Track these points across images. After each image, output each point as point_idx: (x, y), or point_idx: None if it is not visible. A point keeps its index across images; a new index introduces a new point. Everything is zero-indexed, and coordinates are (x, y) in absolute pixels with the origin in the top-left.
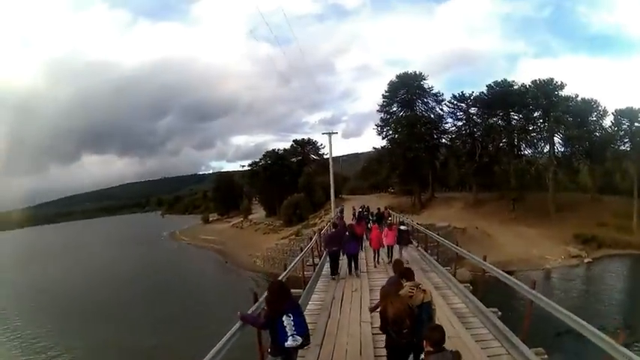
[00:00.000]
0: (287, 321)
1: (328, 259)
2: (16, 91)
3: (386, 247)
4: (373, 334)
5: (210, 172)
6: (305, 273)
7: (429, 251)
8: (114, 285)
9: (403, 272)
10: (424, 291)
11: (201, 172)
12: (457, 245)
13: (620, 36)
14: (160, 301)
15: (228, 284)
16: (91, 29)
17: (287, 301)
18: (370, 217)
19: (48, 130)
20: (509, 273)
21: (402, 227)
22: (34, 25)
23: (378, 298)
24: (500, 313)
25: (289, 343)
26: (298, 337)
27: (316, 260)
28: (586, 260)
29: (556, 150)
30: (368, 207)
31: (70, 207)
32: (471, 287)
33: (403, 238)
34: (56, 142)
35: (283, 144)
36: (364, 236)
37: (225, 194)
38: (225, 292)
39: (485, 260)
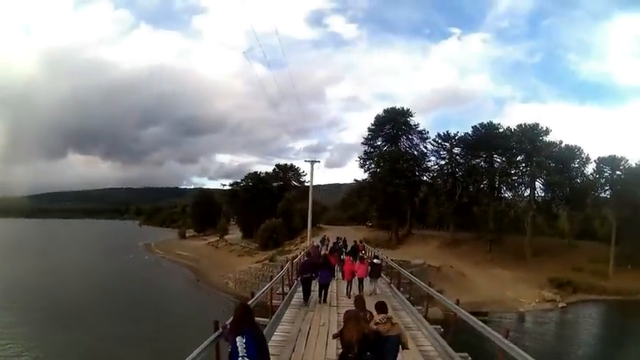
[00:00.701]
0: (239, 342)
1: (301, 286)
2: (13, 80)
3: (357, 280)
4: None
5: (192, 187)
6: (273, 302)
7: (402, 289)
8: (75, 294)
9: (378, 305)
10: (393, 324)
11: (182, 187)
12: (430, 284)
13: (608, 85)
14: (120, 317)
15: (196, 305)
16: (94, 26)
17: (247, 324)
18: (344, 250)
19: (38, 123)
20: (483, 314)
21: (375, 261)
22: (36, 13)
23: None
24: (470, 359)
25: None
26: (247, 359)
27: (286, 289)
28: (560, 305)
29: (536, 194)
30: (345, 239)
31: (50, 204)
32: (442, 329)
33: (374, 272)
34: (45, 137)
35: (266, 167)
36: (336, 267)
37: (203, 211)
38: (191, 313)
39: (457, 303)
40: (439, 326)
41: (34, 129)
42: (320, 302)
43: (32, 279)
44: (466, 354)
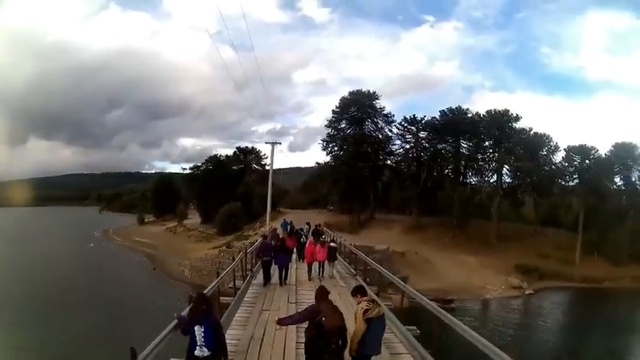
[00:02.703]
0: (198, 331)
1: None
2: None
3: (317, 263)
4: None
5: (153, 171)
6: (221, 299)
7: (358, 271)
8: (26, 287)
9: (357, 288)
10: (379, 305)
11: (144, 171)
12: (394, 271)
13: (577, 78)
14: (66, 308)
15: (149, 296)
16: (61, 7)
17: (203, 313)
18: (302, 233)
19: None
20: (449, 302)
21: (332, 244)
22: None
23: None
24: (418, 331)
25: (197, 352)
26: (205, 349)
27: (238, 283)
28: (527, 292)
29: (502, 180)
30: (316, 226)
31: (10, 192)
32: (417, 331)
33: (332, 255)
34: (7, 122)
35: (229, 151)
36: (294, 250)
37: (162, 196)
38: (144, 304)
39: (405, 281)
40: (414, 327)
41: None
42: (280, 284)
43: None
44: (414, 327)
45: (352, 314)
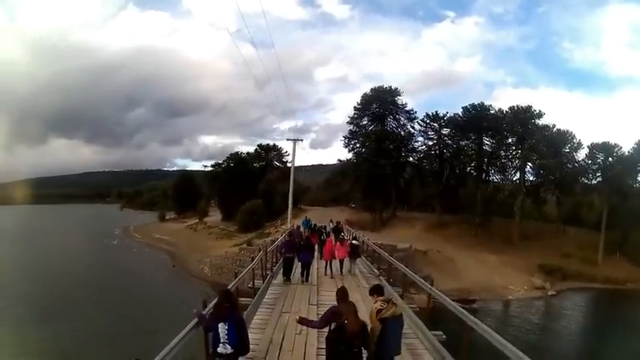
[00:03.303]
0: (221, 328)
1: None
2: None
3: (337, 260)
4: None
5: (175, 169)
6: (240, 299)
7: (381, 271)
8: (38, 283)
9: (374, 288)
10: (395, 304)
11: (165, 169)
12: (416, 270)
13: (599, 73)
14: (83, 308)
15: (167, 295)
16: (81, 8)
17: (227, 310)
18: (323, 231)
19: (21, 109)
20: (471, 302)
21: (354, 242)
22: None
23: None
24: (444, 337)
25: (220, 349)
26: (228, 346)
27: (257, 283)
28: (550, 292)
29: (525, 178)
30: (337, 222)
31: (31, 190)
32: (443, 336)
33: (354, 253)
34: (26, 122)
35: (251, 148)
36: (316, 247)
37: (184, 193)
38: (161, 303)
39: (432, 284)
40: (440, 332)
41: (16, 115)
42: (302, 282)
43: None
44: (440, 332)
45: (364, 309)
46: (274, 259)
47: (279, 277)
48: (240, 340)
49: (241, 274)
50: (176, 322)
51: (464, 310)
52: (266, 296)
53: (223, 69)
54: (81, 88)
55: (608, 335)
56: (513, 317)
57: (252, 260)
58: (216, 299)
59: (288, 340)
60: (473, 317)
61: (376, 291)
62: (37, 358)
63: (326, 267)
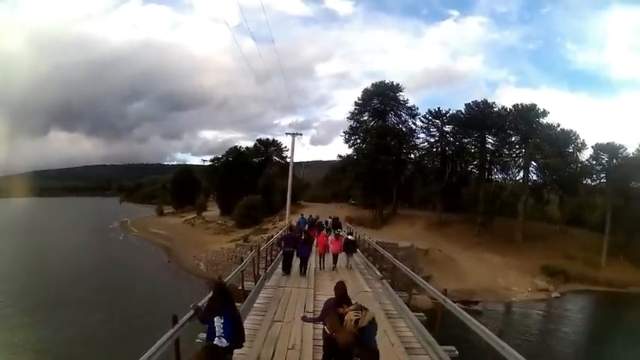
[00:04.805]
0: (217, 322)
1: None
2: None
3: (331, 254)
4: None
5: (175, 163)
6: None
7: (384, 272)
8: (41, 280)
9: (340, 298)
10: (367, 309)
11: (165, 163)
12: (418, 269)
13: (603, 74)
14: (79, 305)
15: (160, 293)
16: (83, 1)
17: (222, 303)
18: (325, 226)
19: (22, 102)
20: (474, 303)
21: (350, 237)
22: None
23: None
24: (457, 352)
25: (216, 342)
26: (224, 340)
27: (248, 285)
28: (554, 295)
29: (529, 178)
30: (336, 217)
31: (32, 183)
32: (424, 317)
33: (349, 248)
34: (28, 115)
35: (251, 143)
36: (315, 241)
37: (182, 187)
38: (151, 302)
39: (445, 293)
40: (452, 347)
41: (17, 108)
42: (301, 274)
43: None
44: (453, 347)
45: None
46: (270, 258)
47: (273, 279)
48: (235, 333)
49: (230, 276)
50: (159, 328)
51: (486, 329)
52: (257, 300)
53: (225, 64)
54: (82, 81)
55: (614, 340)
56: (519, 321)
57: (242, 261)
58: (211, 293)
59: (279, 357)
60: (497, 338)
61: (344, 302)
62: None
63: (320, 260)
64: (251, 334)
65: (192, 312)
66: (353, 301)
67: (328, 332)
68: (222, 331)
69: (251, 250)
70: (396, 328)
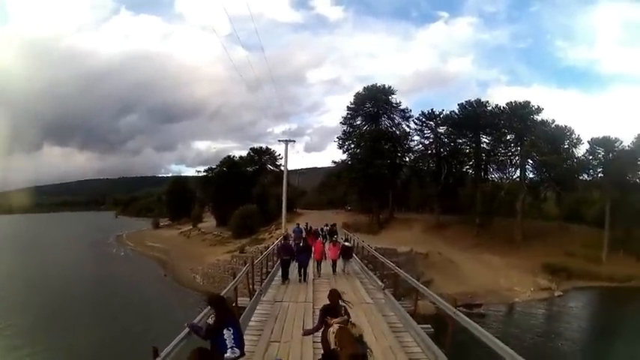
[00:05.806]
0: (227, 334)
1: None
2: None
3: (330, 261)
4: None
5: (169, 175)
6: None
7: (385, 281)
8: (35, 298)
9: (325, 309)
10: (354, 325)
11: (160, 175)
12: (418, 274)
13: (593, 70)
14: (61, 325)
15: (154, 310)
16: (73, 13)
17: (229, 315)
18: (320, 233)
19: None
20: (477, 306)
21: (347, 244)
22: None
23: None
24: None
25: (228, 354)
26: (237, 350)
27: (242, 301)
28: (556, 293)
29: (525, 176)
30: (332, 224)
31: (27, 199)
32: (431, 328)
33: (346, 254)
34: (20, 130)
35: (245, 153)
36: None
37: (177, 199)
38: (143, 320)
39: (455, 305)
40: (428, 325)
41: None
42: (300, 281)
43: None
44: None
45: (370, 332)
46: (265, 270)
47: (269, 293)
48: (242, 342)
49: (223, 292)
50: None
51: (506, 347)
52: (252, 317)
53: (217, 73)
54: (73, 95)
55: (620, 336)
56: (524, 322)
57: (235, 277)
58: (208, 308)
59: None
60: (514, 353)
61: (333, 312)
62: None
63: (317, 267)
64: (246, 358)
65: (186, 330)
66: (352, 313)
67: (330, 343)
68: (233, 342)
69: (244, 264)
70: (403, 343)
